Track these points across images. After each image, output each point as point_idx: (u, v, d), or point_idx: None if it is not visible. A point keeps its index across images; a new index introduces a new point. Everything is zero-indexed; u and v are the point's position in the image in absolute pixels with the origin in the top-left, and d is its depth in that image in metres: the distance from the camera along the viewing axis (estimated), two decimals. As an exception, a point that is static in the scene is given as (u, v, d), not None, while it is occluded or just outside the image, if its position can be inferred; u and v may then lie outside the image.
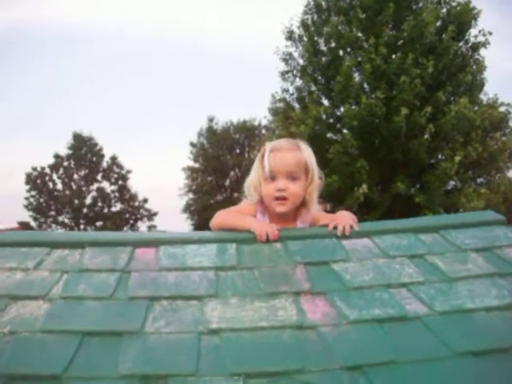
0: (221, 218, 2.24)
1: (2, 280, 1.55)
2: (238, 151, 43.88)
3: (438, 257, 1.77)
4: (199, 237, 1.83)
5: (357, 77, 16.74)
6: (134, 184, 46.91)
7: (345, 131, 16.30)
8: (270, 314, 1.41)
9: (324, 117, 16.95)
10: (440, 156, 15.82)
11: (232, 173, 43.68)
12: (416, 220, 2.12)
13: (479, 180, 16.81)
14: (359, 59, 16.34)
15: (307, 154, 2.36)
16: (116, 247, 1.77)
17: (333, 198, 14.81)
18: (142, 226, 41.11)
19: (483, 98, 17.08)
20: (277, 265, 1.69)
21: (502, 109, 16.75)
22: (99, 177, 40.92)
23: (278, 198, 2.25)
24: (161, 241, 1.81)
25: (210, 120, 43.58)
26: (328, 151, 15.41)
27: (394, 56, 15.77)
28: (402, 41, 16.25)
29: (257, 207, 2.38)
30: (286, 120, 17.11)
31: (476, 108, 16.06)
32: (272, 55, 18.53)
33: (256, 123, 43.95)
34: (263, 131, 43.51)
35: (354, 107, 15.73)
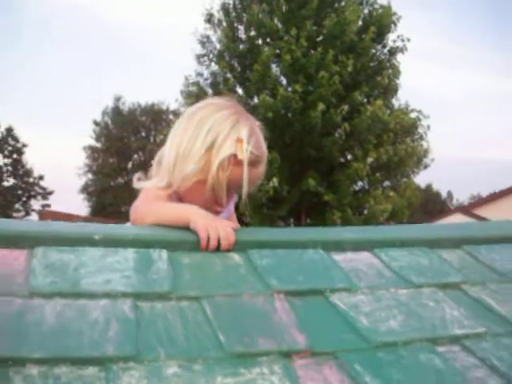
0: (145, 209, 1.44)
1: None
2: (143, 134, 42.49)
3: (481, 289, 1.15)
4: (104, 235, 1.07)
5: (274, 68, 16.27)
6: (30, 159, 44.09)
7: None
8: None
9: (238, 106, 16.28)
10: (352, 156, 15.66)
11: (135, 156, 42.24)
12: (419, 228, 1.49)
13: (386, 183, 16.88)
14: (278, 51, 15.86)
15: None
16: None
17: (241, 191, 14.18)
18: (36, 204, 38.63)
19: (395, 103, 17.21)
20: (240, 293, 0.98)
21: (413, 115, 16.93)
22: (-8, 148, 37.97)
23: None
24: (38, 237, 1.04)
25: (117, 99, 41.88)
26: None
27: (313, 51, 15.41)
28: (322, 37, 15.95)
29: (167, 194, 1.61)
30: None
31: (389, 111, 16.10)
32: (187, 37, 17.68)
33: (164, 107, 42.71)
34: (171, 116, 42.44)
35: (269, 99, 15.21)
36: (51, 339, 0.78)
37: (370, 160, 14.42)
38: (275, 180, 14.07)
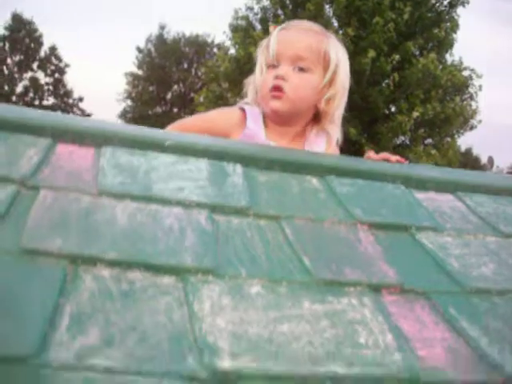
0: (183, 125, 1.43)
1: None
2: (185, 66, 42.03)
3: None
4: (175, 142, 0.99)
5: (327, 9, 15.72)
6: (71, 80, 44.28)
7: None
8: (339, 337, 0.63)
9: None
10: (397, 109, 15.25)
11: (176, 87, 41.97)
12: (503, 178, 1.38)
13: (428, 141, 16.49)
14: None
15: (333, 43, 1.62)
16: (17, 135, 0.92)
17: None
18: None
19: (448, 58, 16.57)
20: (322, 218, 0.90)
21: (466, 73, 16.31)
22: (35, 66, 38.04)
23: (274, 89, 1.54)
24: (106, 136, 0.96)
25: (162, 28, 41.31)
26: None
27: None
28: (381, -20, 15.27)
29: (246, 112, 1.59)
30: (245, 39, 15.95)
31: (441, 67, 15.52)
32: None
33: (209, 40, 42.05)
34: (215, 49, 41.85)
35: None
36: (123, 241, 0.71)
37: (415, 114, 14.04)
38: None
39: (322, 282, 0.72)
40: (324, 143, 1.67)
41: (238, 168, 0.97)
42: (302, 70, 1.57)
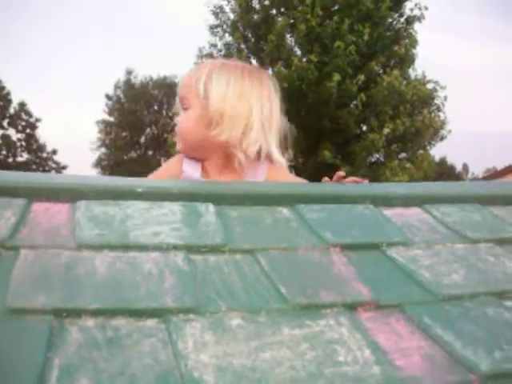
0: None
1: None
2: (156, 108, 42.29)
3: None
4: (147, 187, 1.03)
5: (289, 39, 16.04)
6: (43, 134, 44.21)
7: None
8: (319, 357, 0.66)
9: (252, 77, 16.14)
10: (367, 127, 15.50)
11: (148, 130, 42.12)
12: (468, 185, 1.43)
13: (402, 155, 16.72)
14: (292, 21, 15.61)
15: (206, 69, 1.61)
16: (-6, 196, 0.95)
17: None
18: (49, 178, 38.78)
19: (411, 73, 16.94)
20: (295, 246, 0.93)
21: (430, 86, 16.68)
22: (5, 123, 38.01)
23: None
24: (80, 190, 1.00)
25: (129, 73, 41.67)
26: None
27: (329, 21, 15.13)
28: (338, 6, 15.65)
29: (183, 156, 1.65)
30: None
31: (405, 82, 15.85)
32: (199, 8, 17.45)
33: (177, 80, 42.44)
34: (183, 89, 42.17)
35: (284, 69, 15.02)
36: (105, 291, 0.73)
37: (386, 131, 14.27)
38: (290, 152, 13.97)
39: (299, 306, 0.76)
40: (264, 174, 1.66)
41: (210, 207, 1.01)
42: (185, 109, 1.62)
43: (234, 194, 1.05)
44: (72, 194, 0.98)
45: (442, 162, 46.01)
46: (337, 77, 13.95)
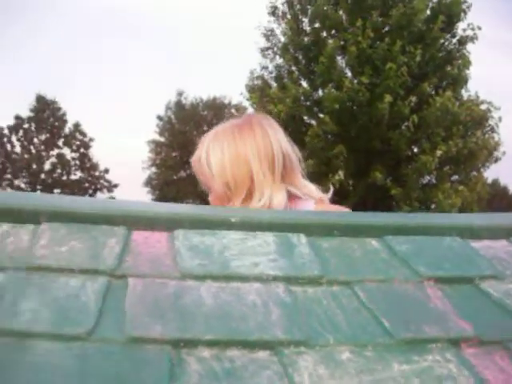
0: None
1: None
2: (205, 128, 42.76)
3: None
4: (240, 218, 1.06)
5: (340, 60, 16.09)
6: (96, 153, 45.36)
7: (321, 115, 15.66)
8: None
9: (302, 98, 16.21)
10: (419, 149, 15.31)
11: (197, 150, 42.67)
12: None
13: (454, 177, 16.41)
14: (343, 43, 15.66)
15: (204, 147, 1.66)
16: (96, 226, 0.99)
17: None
18: (102, 196, 39.71)
19: (464, 94, 16.68)
20: (390, 278, 0.94)
21: (483, 107, 16.37)
22: (60, 143, 39.33)
23: None
24: (177, 219, 1.04)
25: (179, 94, 42.50)
26: (305, 134, 14.75)
27: (380, 42, 15.11)
28: (389, 27, 15.61)
29: None
30: (262, 98, 16.33)
31: (458, 103, 15.62)
32: (249, 31, 17.74)
33: (226, 101, 43.04)
34: (233, 110, 42.74)
35: (334, 91, 15.04)
36: (216, 321, 0.76)
37: (438, 153, 14.04)
38: (341, 173, 13.94)
39: (404, 341, 0.77)
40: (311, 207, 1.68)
41: (302, 238, 1.03)
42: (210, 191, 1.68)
43: (323, 224, 1.07)
44: (169, 223, 1.02)
45: (495, 183, 44.86)
46: (388, 98, 13.85)
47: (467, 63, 15.99)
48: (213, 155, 1.58)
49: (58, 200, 1.15)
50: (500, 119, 16.23)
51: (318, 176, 14.45)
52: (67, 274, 0.84)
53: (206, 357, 0.70)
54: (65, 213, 0.98)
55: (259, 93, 16.55)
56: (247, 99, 17.44)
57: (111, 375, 0.64)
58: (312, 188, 1.72)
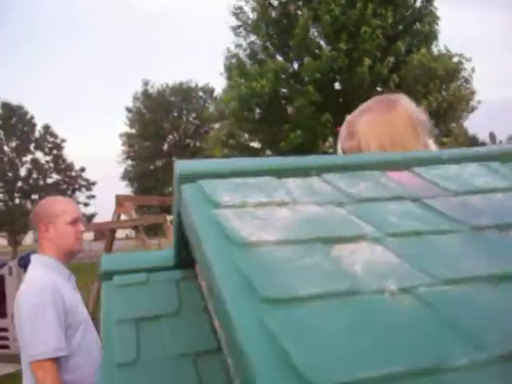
0: None
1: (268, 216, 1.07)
2: (175, 114, 42.77)
3: None
4: (449, 155, 1.38)
5: (312, 30, 16.37)
6: (70, 153, 45.10)
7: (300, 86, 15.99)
8: None
9: (282, 73, 16.51)
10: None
11: (170, 137, 42.63)
12: None
13: (436, 131, 16.92)
14: (315, 13, 15.93)
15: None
16: (358, 172, 1.32)
17: (296, 154, 14.44)
18: (81, 196, 39.56)
19: (434, 49, 17.13)
20: None
21: (455, 60, 16.87)
22: (32, 147, 38.90)
23: None
24: (408, 161, 1.37)
25: (145, 83, 42.27)
26: (290, 105, 15.12)
27: (351, 8, 15.42)
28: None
29: None
30: (240, 76, 16.56)
31: (431, 58, 16.08)
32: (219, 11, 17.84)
33: (193, 85, 42.92)
34: (200, 93, 42.71)
35: (312, 60, 15.35)
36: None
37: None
38: (331, 140, 14.35)
39: None
40: None
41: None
42: None
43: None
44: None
45: (464, 133, 45.73)
46: (367, 61, 14.25)
47: (436, 19, 16.45)
48: (371, 138, 1.67)
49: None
50: (473, 70, 16.79)
51: (308, 145, 14.85)
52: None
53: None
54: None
55: (238, 71, 16.76)
56: (226, 78, 17.64)
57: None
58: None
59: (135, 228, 8.82)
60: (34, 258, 2.21)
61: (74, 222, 2.16)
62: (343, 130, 1.74)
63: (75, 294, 2.18)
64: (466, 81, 16.88)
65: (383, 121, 1.67)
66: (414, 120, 1.72)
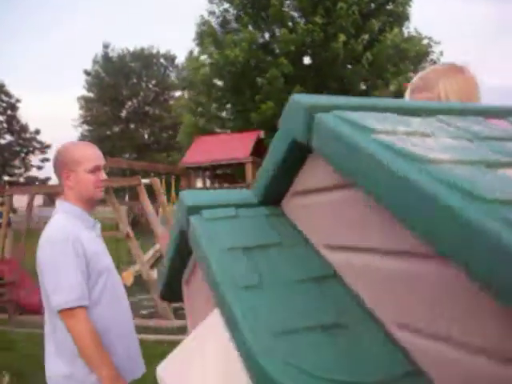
0: None
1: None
2: (135, 80, 41.87)
3: None
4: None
5: (288, 3, 16.31)
6: (25, 114, 43.71)
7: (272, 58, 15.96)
8: None
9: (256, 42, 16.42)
10: (372, 85, 15.97)
11: (129, 103, 41.79)
12: None
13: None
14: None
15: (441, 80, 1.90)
16: (463, 117, 1.37)
17: (267, 125, 14.47)
18: (35, 159, 38.54)
19: (405, 32, 17.37)
20: None
21: (425, 42, 17.17)
22: (-17, 106, 37.55)
23: None
24: (504, 112, 1.43)
25: (106, 47, 41.05)
26: (261, 77, 15.07)
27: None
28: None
29: None
30: (213, 44, 16.38)
31: (403, 39, 16.30)
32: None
33: (154, 51, 42.09)
34: (162, 60, 41.92)
35: (287, 32, 15.31)
36: None
37: (392, 88, 14.75)
38: (302, 113, 14.37)
39: None
40: None
41: None
42: None
43: None
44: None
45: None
46: (342, 37, 14.32)
47: (408, 0, 16.63)
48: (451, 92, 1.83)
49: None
50: (442, 53, 17.13)
51: (278, 117, 14.80)
52: None
53: None
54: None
55: (211, 38, 16.55)
56: (197, 45, 17.38)
57: None
58: None
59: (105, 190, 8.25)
60: (58, 202, 2.17)
61: (95, 170, 2.12)
62: (416, 83, 1.89)
63: (99, 243, 2.15)
64: (435, 63, 17.16)
65: (462, 79, 1.85)
66: (478, 84, 1.91)
